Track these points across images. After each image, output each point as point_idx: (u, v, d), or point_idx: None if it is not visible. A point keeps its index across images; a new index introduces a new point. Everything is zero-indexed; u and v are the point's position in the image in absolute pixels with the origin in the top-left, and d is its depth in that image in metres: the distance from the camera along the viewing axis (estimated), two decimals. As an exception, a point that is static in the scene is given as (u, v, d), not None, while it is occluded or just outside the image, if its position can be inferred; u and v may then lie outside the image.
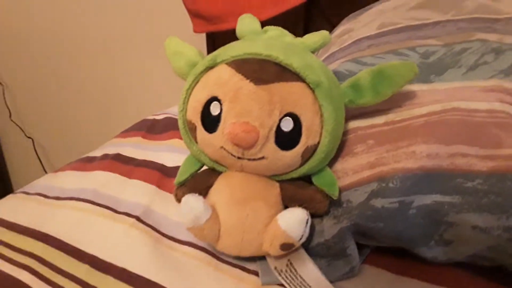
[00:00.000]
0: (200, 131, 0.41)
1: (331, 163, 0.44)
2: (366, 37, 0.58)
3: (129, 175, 0.60)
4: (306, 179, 0.43)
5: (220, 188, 0.43)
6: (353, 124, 0.46)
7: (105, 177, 0.61)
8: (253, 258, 0.44)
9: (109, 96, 1.47)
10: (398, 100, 0.45)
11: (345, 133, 0.46)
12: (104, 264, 0.44)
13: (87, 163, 0.67)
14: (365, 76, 0.42)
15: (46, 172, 1.69)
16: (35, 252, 0.47)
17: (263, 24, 0.54)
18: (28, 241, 0.49)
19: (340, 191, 0.42)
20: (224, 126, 0.39)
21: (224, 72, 0.40)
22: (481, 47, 0.49)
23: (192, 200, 0.40)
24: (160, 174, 0.60)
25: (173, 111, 0.84)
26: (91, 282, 0.42)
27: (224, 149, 0.40)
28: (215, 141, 0.40)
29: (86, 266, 0.44)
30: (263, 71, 0.39)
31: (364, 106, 0.44)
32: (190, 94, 0.43)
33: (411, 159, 0.40)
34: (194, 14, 1.07)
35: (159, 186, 0.57)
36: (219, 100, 0.39)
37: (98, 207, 0.53)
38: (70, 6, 1.38)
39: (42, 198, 0.58)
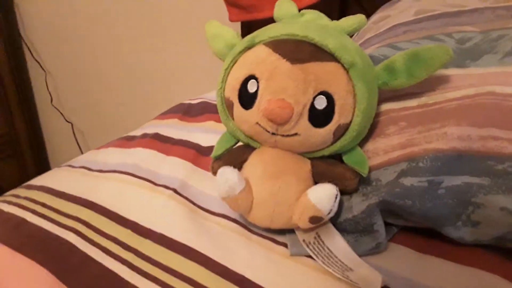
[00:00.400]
0: (237, 107, 0.43)
1: (362, 143, 0.45)
2: (402, 23, 0.59)
3: (167, 153, 0.63)
4: (337, 157, 0.45)
5: (254, 163, 0.45)
6: (386, 106, 0.47)
7: (144, 153, 0.64)
8: (282, 231, 0.46)
9: (145, 83, 1.51)
10: (432, 83, 0.46)
11: (378, 114, 0.47)
12: (144, 229, 0.47)
13: (127, 141, 0.70)
14: (400, 58, 0.43)
15: (84, 155, 1.76)
16: (81, 217, 0.50)
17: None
18: (74, 207, 0.52)
19: (370, 170, 0.44)
20: (260, 103, 0.41)
21: (262, 52, 0.42)
22: (518, 34, 0.49)
23: (227, 172, 0.43)
24: (195, 152, 0.63)
25: (208, 96, 0.87)
26: (132, 244, 0.46)
27: (259, 125, 0.42)
28: (251, 117, 0.42)
29: (128, 231, 0.48)
30: (299, 50, 0.41)
31: (398, 89, 0.45)
32: (228, 73, 0.45)
33: (443, 140, 0.41)
34: (230, 3, 1.09)
35: (195, 163, 0.60)
36: (256, 78, 0.41)
37: (138, 179, 0.57)
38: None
39: (86, 170, 0.62)
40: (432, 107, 0.44)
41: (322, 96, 0.40)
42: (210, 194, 0.53)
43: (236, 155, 0.47)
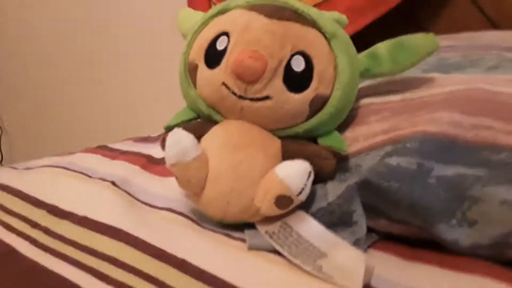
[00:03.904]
0: (202, 69, 0.38)
1: (340, 131, 0.40)
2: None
3: (113, 158, 0.55)
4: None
5: (214, 133, 0.38)
6: (366, 100, 0.43)
7: (84, 156, 0.55)
8: (239, 227, 0.37)
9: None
10: (416, 83, 0.43)
11: (358, 107, 0.42)
12: (63, 212, 0.38)
13: (68, 154, 0.61)
14: (383, 46, 0.41)
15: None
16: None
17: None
18: None
19: (349, 156, 0.38)
20: (229, 57, 0.36)
21: (237, 12, 0.38)
22: (498, 57, 0.48)
23: (180, 133, 0.35)
24: (146, 160, 0.54)
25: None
26: (43, 223, 0.36)
27: (226, 85, 0.36)
28: (216, 77, 0.36)
29: (43, 211, 0.39)
30: (278, 10, 0.37)
31: (381, 76, 0.41)
32: (196, 37, 0.40)
33: (432, 123, 0.36)
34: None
35: (143, 167, 0.52)
36: (227, 35, 0.37)
37: (72, 172, 0.48)
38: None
39: (12, 169, 0.52)
40: (417, 100, 0.40)
41: (300, 56, 0.35)
42: (155, 192, 0.44)
43: (193, 129, 0.39)
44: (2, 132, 1.68)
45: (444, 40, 0.58)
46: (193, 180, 0.35)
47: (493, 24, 0.66)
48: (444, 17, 0.70)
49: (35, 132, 1.61)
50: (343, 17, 0.45)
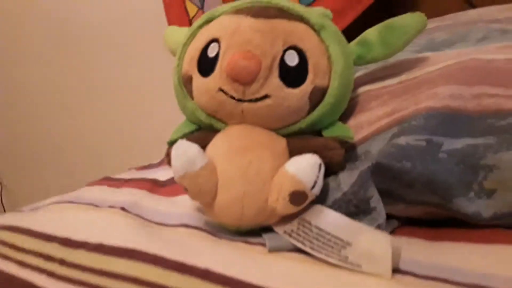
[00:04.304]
0: (196, 79, 0.38)
1: (343, 121, 0.39)
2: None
3: (118, 187, 0.54)
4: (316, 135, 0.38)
5: (218, 141, 0.37)
6: (364, 88, 0.43)
7: (90, 189, 0.54)
8: (255, 233, 0.36)
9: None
10: (409, 65, 0.43)
11: (357, 95, 0.42)
12: (76, 242, 0.37)
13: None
14: (372, 31, 0.41)
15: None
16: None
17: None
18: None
19: (356, 144, 0.37)
20: (222, 62, 0.36)
21: (224, 18, 0.39)
22: (485, 28, 0.48)
23: (185, 144, 0.35)
24: (151, 183, 0.54)
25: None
26: (57, 255, 0.35)
27: (223, 91, 0.36)
28: (212, 84, 0.36)
29: (54, 244, 0.37)
30: (264, 10, 0.37)
31: (374, 62, 0.41)
32: (186, 50, 0.40)
33: (433, 99, 0.36)
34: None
35: (150, 191, 0.51)
36: (218, 41, 0.37)
37: (79, 205, 0.47)
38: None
39: (19, 212, 0.52)
40: (414, 80, 0.40)
41: (292, 51, 0.35)
42: (166, 211, 0.43)
43: (197, 139, 0.38)
44: (2, 187, 1.67)
45: (429, 23, 0.59)
46: (204, 189, 0.34)
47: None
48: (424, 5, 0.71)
49: (34, 181, 1.60)
50: (328, 11, 0.46)
